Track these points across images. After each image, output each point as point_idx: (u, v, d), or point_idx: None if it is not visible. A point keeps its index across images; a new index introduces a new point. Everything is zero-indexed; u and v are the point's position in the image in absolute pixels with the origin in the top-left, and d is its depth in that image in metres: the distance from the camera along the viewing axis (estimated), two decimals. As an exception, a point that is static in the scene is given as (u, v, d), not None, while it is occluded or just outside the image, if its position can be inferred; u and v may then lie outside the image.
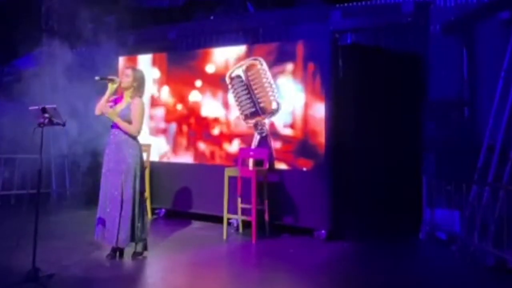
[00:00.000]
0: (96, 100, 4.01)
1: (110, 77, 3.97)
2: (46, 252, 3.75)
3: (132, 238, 3.87)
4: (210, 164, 5.67)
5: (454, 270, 3.98)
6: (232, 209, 5.07)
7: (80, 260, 3.87)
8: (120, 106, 3.95)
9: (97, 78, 3.92)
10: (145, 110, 4.05)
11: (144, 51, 6.33)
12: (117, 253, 3.96)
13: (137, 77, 3.99)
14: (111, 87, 3.93)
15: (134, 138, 3.93)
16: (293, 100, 5.14)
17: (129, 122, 3.88)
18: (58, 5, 6.86)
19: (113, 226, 3.81)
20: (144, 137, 5.90)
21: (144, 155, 5.82)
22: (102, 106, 3.90)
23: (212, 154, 5.68)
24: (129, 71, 4.00)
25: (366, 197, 5.04)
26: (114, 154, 3.90)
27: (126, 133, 3.88)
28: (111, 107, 3.93)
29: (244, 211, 5.11)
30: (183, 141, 5.91)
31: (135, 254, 3.97)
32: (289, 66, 5.17)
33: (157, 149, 6.04)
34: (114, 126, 3.92)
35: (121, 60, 6.39)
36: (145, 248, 4.02)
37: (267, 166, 5.08)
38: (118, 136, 3.90)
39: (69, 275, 3.50)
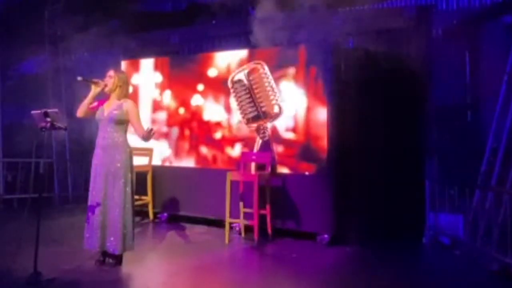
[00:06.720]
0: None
1: (94, 79, 3.89)
2: (48, 256, 3.74)
3: (123, 245, 3.73)
4: (212, 168, 5.65)
5: (457, 275, 3.95)
6: (234, 214, 5.06)
7: (81, 264, 3.86)
8: (108, 108, 3.86)
9: (79, 78, 3.79)
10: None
11: (147, 55, 6.34)
12: (106, 259, 3.85)
13: (120, 77, 3.90)
14: (94, 90, 3.87)
15: (124, 141, 3.83)
16: (295, 104, 5.13)
17: (122, 123, 3.81)
18: (61, 9, 6.89)
19: (101, 232, 3.71)
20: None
21: (146, 159, 5.89)
22: (84, 107, 3.87)
23: (214, 158, 5.67)
24: (111, 72, 3.92)
25: (369, 201, 5.02)
26: (101, 158, 3.80)
27: (115, 137, 3.79)
28: (94, 108, 3.88)
29: (247, 215, 5.09)
30: (185, 145, 5.90)
31: (111, 262, 3.82)
32: (291, 70, 5.17)
33: (159, 153, 6.03)
34: (101, 129, 3.83)
35: (124, 64, 6.41)
36: (120, 261, 3.86)
37: (269, 170, 5.07)
38: (105, 140, 3.80)
39: (70, 279, 3.50)
